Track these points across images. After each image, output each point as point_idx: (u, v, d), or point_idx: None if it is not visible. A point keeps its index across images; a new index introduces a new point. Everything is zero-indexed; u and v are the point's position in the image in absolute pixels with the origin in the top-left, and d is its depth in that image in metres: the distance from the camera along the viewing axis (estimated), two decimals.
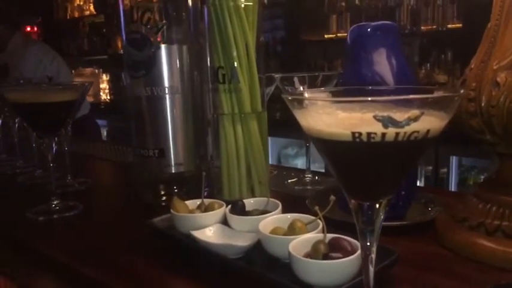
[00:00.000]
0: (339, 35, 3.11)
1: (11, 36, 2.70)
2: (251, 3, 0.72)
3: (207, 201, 0.66)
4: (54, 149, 0.79)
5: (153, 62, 0.78)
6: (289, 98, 0.34)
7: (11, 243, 0.77)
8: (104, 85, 4.53)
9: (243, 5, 0.71)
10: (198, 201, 0.66)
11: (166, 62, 0.78)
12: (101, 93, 4.52)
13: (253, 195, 0.75)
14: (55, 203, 0.81)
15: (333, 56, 3.18)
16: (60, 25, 4.82)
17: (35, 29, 4.83)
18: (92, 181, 0.99)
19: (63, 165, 0.97)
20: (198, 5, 0.80)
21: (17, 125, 1.14)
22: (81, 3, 4.67)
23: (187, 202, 0.66)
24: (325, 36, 3.18)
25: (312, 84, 0.86)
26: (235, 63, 0.72)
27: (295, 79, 0.88)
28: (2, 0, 2.86)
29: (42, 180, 1.03)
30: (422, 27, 2.78)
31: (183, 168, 0.81)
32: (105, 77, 4.61)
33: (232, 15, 0.71)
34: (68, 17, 4.77)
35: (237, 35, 0.72)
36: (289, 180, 0.93)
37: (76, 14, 4.71)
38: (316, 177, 0.93)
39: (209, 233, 0.59)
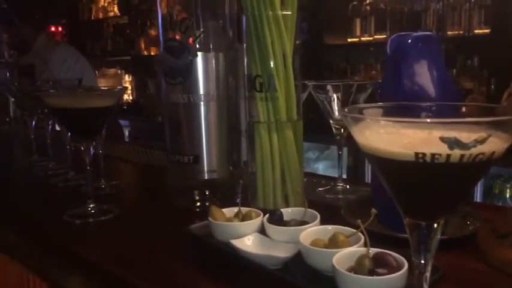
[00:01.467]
0: (362, 39, 3.09)
1: (35, 37, 2.75)
2: (290, 12, 0.73)
3: (244, 209, 0.66)
4: (91, 152, 0.80)
5: (190, 69, 0.78)
6: (350, 116, 0.34)
7: (46, 245, 0.78)
8: (127, 85, 4.58)
9: (281, 14, 0.72)
10: (235, 209, 0.66)
11: (203, 70, 0.79)
12: (124, 94, 4.57)
13: (287, 204, 0.76)
14: (91, 206, 0.82)
15: (356, 60, 3.16)
16: (85, 26, 4.90)
17: (59, 29, 4.92)
18: (123, 184, 1.00)
19: (96, 168, 0.98)
20: (235, 13, 0.81)
21: (50, 126, 1.16)
22: (106, 4, 4.73)
23: (224, 210, 0.66)
24: (349, 40, 3.16)
25: (346, 93, 0.86)
26: (273, 72, 0.72)
27: (329, 87, 0.87)
28: (27, 1, 2.92)
29: (75, 182, 1.04)
30: (448, 33, 2.74)
31: (216, 174, 0.82)
32: (127, 78, 4.67)
33: (271, 24, 0.71)
34: (93, 18, 4.84)
35: (275, 44, 0.72)
36: (321, 188, 0.93)
37: (100, 15, 4.78)
38: (348, 186, 0.93)
39: (248, 242, 0.59)
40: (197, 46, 0.78)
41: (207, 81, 0.80)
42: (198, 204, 0.82)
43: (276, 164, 0.75)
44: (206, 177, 0.81)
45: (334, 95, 0.87)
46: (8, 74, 1.99)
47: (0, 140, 1.76)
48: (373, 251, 0.50)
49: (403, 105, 0.40)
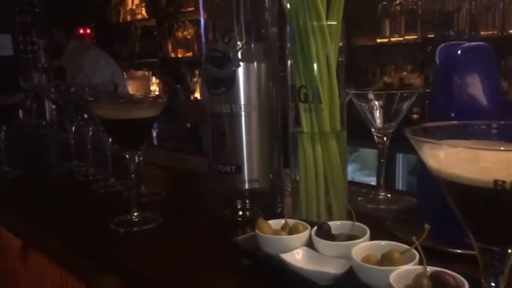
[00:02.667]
0: (392, 39, 3.05)
1: (68, 41, 2.81)
2: (335, 23, 0.72)
3: (290, 221, 0.66)
4: (136, 160, 0.81)
5: (233, 79, 0.79)
6: (422, 140, 0.33)
7: (89, 251, 0.80)
8: (154, 87, 4.64)
9: (326, 25, 0.71)
10: (281, 221, 0.66)
11: (246, 80, 0.79)
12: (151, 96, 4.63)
13: (330, 215, 0.75)
14: (135, 214, 0.83)
15: (385, 61, 3.12)
16: (113, 29, 4.99)
17: (88, 31, 5.02)
18: (164, 192, 1.01)
19: (136, 174, 0.99)
20: (278, 23, 0.81)
21: (90, 132, 1.18)
22: (134, 7, 4.80)
23: (270, 222, 0.66)
24: (378, 40, 3.12)
25: (389, 101, 0.85)
26: (318, 83, 0.72)
27: (371, 96, 0.86)
28: (59, 6, 2.99)
29: (116, 189, 1.06)
30: (481, 33, 2.67)
31: (258, 184, 0.82)
32: (154, 80, 4.72)
33: (316, 35, 0.71)
34: (121, 21, 4.92)
35: (320, 55, 0.72)
36: (361, 198, 0.92)
37: (128, 18, 4.85)
38: (389, 195, 0.92)
39: (298, 256, 0.59)
40: (240, 57, 0.78)
41: (250, 91, 0.80)
42: (240, 213, 0.82)
43: (319, 174, 0.75)
44: (248, 187, 0.82)
45: (376, 103, 0.86)
46: (44, 78, 2.04)
47: (38, 144, 1.80)
48: (430, 269, 0.49)
49: (471, 124, 0.39)
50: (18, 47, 4.53)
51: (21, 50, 4.64)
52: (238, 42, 0.78)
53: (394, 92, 0.84)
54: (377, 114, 0.87)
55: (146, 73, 4.79)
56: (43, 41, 2.05)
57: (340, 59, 0.74)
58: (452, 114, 0.63)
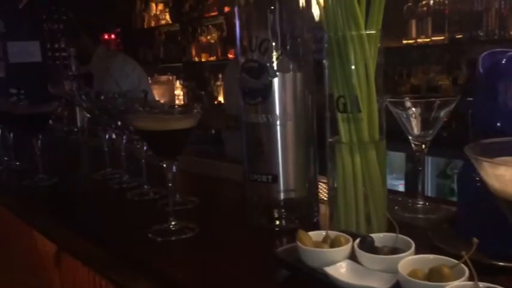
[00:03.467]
0: (419, 40, 3.00)
1: (95, 48, 2.86)
2: (374, 32, 0.71)
3: (331, 233, 0.65)
4: (174, 169, 0.82)
5: (269, 89, 0.79)
6: (488, 162, 0.33)
7: (126, 259, 0.81)
8: (178, 91, 4.69)
9: (365, 34, 0.70)
10: (322, 233, 0.66)
11: (282, 90, 0.79)
12: (176, 100, 4.68)
13: (369, 226, 0.74)
14: (173, 223, 0.84)
15: (412, 62, 3.08)
16: (138, 34, 5.06)
17: (112, 36, 5.11)
18: (198, 200, 1.02)
19: (172, 184, 0.99)
20: (313, 34, 0.81)
21: (124, 140, 1.20)
22: (158, 12, 4.87)
23: (310, 233, 0.66)
24: (404, 41, 3.08)
25: (427, 109, 0.83)
26: (356, 92, 0.71)
27: (408, 103, 0.85)
28: (87, 13, 3.05)
29: (150, 197, 1.07)
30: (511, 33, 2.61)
31: (295, 194, 0.82)
32: (178, 84, 4.77)
33: (356, 45, 0.70)
34: (145, 26, 4.99)
35: (359, 65, 0.71)
36: (398, 207, 0.90)
37: (152, 23, 4.92)
38: (427, 204, 0.90)
39: (342, 270, 0.59)
40: (276, 67, 0.78)
41: (286, 101, 0.80)
42: (277, 223, 0.82)
43: (358, 185, 0.74)
44: (284, 197, 0.81)
45: (414, 111, 0.85)
46: (75, 85, 2.09)
47: (71, 151, 1.84)
48: (482, 285, 0.48)
49: None
50: (46, 53, 4.66)
51: (49, 57, 4.77)
52: (274, 53, 0.78)
53: (432, 99, 0.83)
54: (414, 122, 0.85)
55: (170, 77, 4.85)
56: (74, 49, 2.08)
57: (378, 66, 0.73)
58: (499, 124, 0.62)
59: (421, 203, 0.90)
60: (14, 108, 1.29)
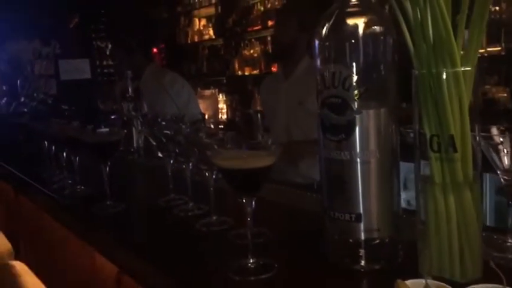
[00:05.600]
0: None
1: (146, 65, 2.91)
2: (469, 68, 0.68)
3: (431, 283, 0.62)
4: (253, 205, 0.81)
5: (353, 126, 0.76)
6: None
7: None
8: (221, 105, 4.73)
9: (461, 71, 0.67)
10: (421, 282, 0.62)
11: (366, 126, 0.77)
12: (219, 114, 4.72)
13: (464, 272, 0.70)
14: (251, 261, 0.83)
15: None
16: (181, 49, 5.16)
17: (154, 50, 5.22)
18: (270, 233, 1.00)
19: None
20: (400, 68, 0.78)
21: (190, 167, 1.20)
22: (201, 28, 4.94)
23: (408, 283, 0.63)
24: None
25: None
26: (452, 132, 0.68)
27: (495, 131, 0.81)
28: (137, 30, 3.11)
29: (219, 227, 1.07)
30: None
31: (378, 233, 0.79)
32: (221, 97, 4.81)
33: (450, 83, 0.67)
34: (189, 41, 5.07)
35: (454, 103, 0.68)
36: (484, 243, 0.85)
37: (196, 39, 5.00)
38: None
39: None
40: (360, 103, 0.76)
41: (370, 137, 0.77)
42: (362, 263, 0.79)
43: (452, 227, 0.70)
44: (368, 236, 0.79)
45: (500, 139, 0.80)
46: (131, 107, 2.13)
47: (129, 173, 1.86)
48: None
49: None
50: (95, 70, 4.83)
51: (98, 74, 4.94)
52: (359, 89, 0.76)
53: None
54: (504, 154, 0.81)
55: (213, 91, 4.90)
56: (131, 72, 2.12)
57: (472, 103, 0.70)
58: None
59: (510, 241, 0.85)
60: (84, 135, 1.32)
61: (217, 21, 4.66)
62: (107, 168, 1.28)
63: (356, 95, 0.76)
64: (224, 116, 4.70)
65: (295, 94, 2.16)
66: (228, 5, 4.48)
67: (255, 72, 4.33)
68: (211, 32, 4.78)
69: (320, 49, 0.80)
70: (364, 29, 0.76)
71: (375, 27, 0.77)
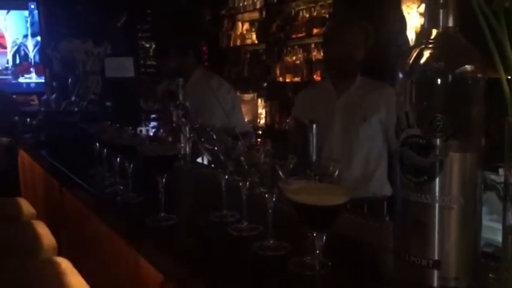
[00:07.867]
0: None
1: (195, 68, 2.92)
2: None
3: None
4: (324, 239, 0.79)
5: (436, 169, 0.73)
6: None
7: None
8: (261, 110, 4.72)
9: None
10: None
11: (450, 170, 0.73)
12: (258, 119, 4.71)
13: None
14: None
15: None
16: (224, 52, 5.18)
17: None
18: (327, 261, 0.96)
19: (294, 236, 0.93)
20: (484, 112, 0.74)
21: (247, 185, 1.18)
22: (244, 32, 4.95)
23: None
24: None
25: None
26: None
27: None
28: (186, 32, 3.14)
29: (277, 253, 1.04)
30: None
31: (456, 282, 0.75)
32: (260, 102, 4.80)
33: None
34: (231, 45, 5.09)
35: None
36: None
37: (238, 43, 5.01)
38: None
39: None
40: (447, 145, 0.73)
41: (453, 182, 0.74)
42: None
43: None
44: (445, 284, 0.75)
45: None
46: (181, 115, 2.14)
47: (178, 181, 1.85)
48: None
49: None
50: (139, 69, 4.91)
51: (141, 73, 5.02)
52: (446, 131, 0.72)
53: None
54: None
55: (252, 95, 4.89)
56: (182, 80, 2.13)
57: None
58: None
59: None
60: (142, 147, 1.33)
61: (260, 26, 4.66)
62: (163, 180, 1.29)
63: (442, 137, 0.73)
64: (262, 121, 4.69)
65: (358, 110, 2.13)
66: (273, 11, 4.46)
67: (297, 79, 4.30)
68: (253, 36, 4.78)
69: (404, 84, 0.77)
70: (455, 67, 0.73)
71: (467, 66, 0.74)
